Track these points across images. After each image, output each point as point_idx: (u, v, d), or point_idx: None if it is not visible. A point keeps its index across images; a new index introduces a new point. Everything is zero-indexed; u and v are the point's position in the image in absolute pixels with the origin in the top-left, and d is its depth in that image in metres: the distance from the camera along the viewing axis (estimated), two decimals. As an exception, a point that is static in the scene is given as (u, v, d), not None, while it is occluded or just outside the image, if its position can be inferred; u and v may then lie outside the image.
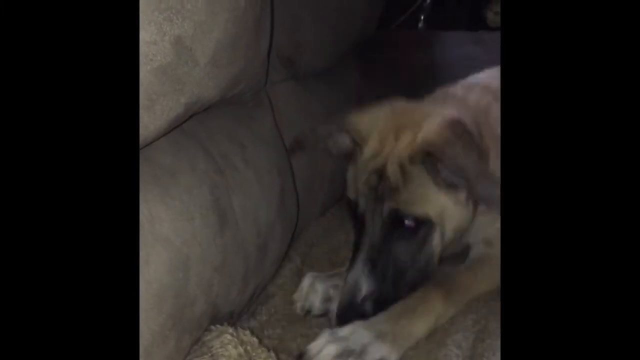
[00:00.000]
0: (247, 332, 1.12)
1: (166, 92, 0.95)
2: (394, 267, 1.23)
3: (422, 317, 1.21)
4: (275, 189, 1.36)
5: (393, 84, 2.42)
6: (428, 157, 1.19)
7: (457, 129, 1.19)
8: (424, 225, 1.23)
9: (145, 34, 0.88)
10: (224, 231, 1.14)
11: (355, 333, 1.14)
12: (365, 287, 1.21)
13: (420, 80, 2.41)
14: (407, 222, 1.22)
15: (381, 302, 1.21)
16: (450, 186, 1.21)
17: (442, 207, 1.23)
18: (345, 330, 1.14)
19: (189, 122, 1.15)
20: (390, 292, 1.23)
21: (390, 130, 1.26)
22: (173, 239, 1.01)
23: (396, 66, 2.45)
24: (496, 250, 1.37)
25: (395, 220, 1.22)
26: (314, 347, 1.12)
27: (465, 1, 2.88)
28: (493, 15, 2.77)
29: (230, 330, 1.11)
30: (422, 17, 2.83)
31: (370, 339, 1.13)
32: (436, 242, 1.26)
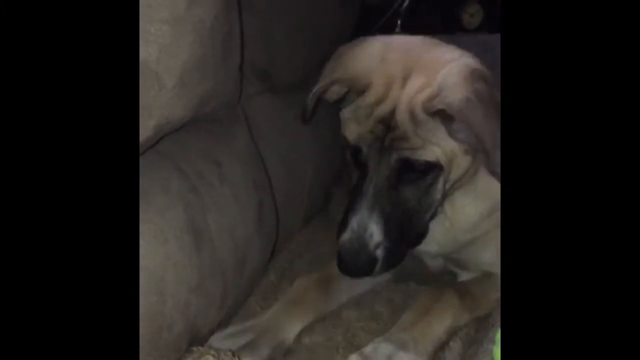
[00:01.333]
0: (229, 352, 1.12)
1: (133, 117, 0.95)
2: (401, 213, 1.22)
3: (439, 317, 1.22)
4: (252, 204, 1.36)
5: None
6: (444, 112, 1.15)
7: (480, 88, 1.15)
8: (433, 169, 1.21)
9: (109, 61, 0.88)
10: (200, 251, 1.14)
11: (378, 349, 1.14)
12: (375, 232, 1.19)
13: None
14: (416, 167, 1.20)
15: (391, 252, 1.20)
16: (461, 136, 1.19)
17: (452, 154, 1.21)
18: (367, 349, 1.14)
19: (163, 142, 1.15)
20: (398, 241, 1.22)
21: (396, 72, 1.21)
22: (146, 263, 1.00)
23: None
24: (487, 274, 1.37)
25: (404, 167, 1.21)
26: None
27: (441, 4, 2.89)
28: (468, 17, 2.79)
29: (212, 351, 1.11)
30: (398, 22, 2.84)
31: (393, 350, 1.13)
32: (440, 186, 1.25)
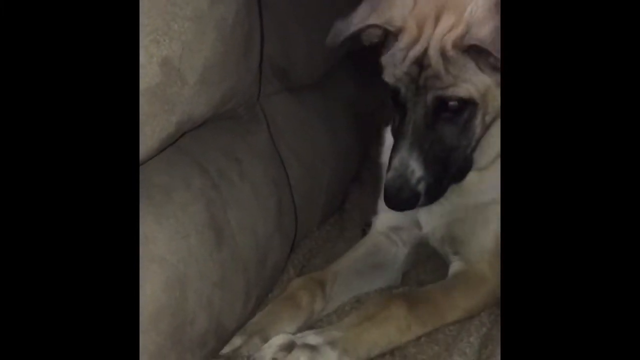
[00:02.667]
0: None
1: (156, 113, 0.96)
2: (440, 149, 1.25)
3: (381, 325, 1.20)
4: (272, 202, 1.36)
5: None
6: (475, 47, 1.17)
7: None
8: (467, 106, 1.24)
9: (133, 57, 0.89)
10: (221, 246, 1.15)
11: (305, 337, 1.14)
12: (416, 168, 1.23)
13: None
14: (451, 104, 1.23)
15: (432, 186, 1.25)
16: (493, 68, 1.20)
17: (486, 88, 1.22)
18: (296, 337, 1.15)
19: (184, 138, 1.16)
20: (439, 176, 1.26)
21: (428, 13, 1.23)
22: (168, 258, 1.01)
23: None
24: (477, 268, 1.37)
25: (440, 106, 1.23)
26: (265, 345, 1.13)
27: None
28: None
29: None
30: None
31: (320, 343, 1.12)
32: (479, 121, 1.27)
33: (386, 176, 1.26)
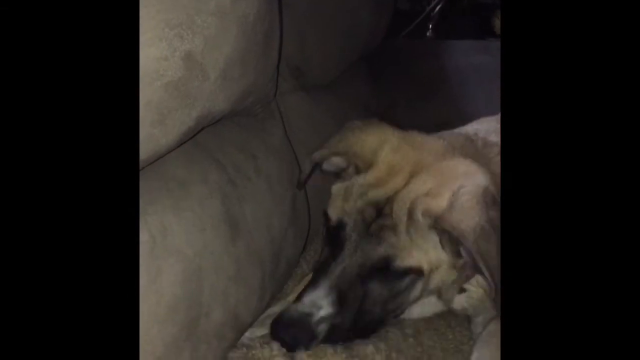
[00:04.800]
0: None
1: (177, 107, 0.97)
2: (362, 307, 1.16)
3: None
4: (287, 198, 1.37)
5: (402, 93, 2.43)
6: (451, 234, 1.10)
7: (494, 215, 1.08)
8: (411, 274, 1.17)
9: (156, 50, 0.90)
10: (237, 241, 1.16)
11: None
12: (324, 309, 1.13)
13: (429, 89, 2.43)
14: (395, 266, 1.15)
15: (337, 331, 1.14)
16: (455, 253, 1.15)
17: (439, 264, 1.17)
18: None
19: (201, 134, 1.17)
20: (348, 325, 1.16)
21: (404, 165, 1.17)
22: (185, 250, 1.02)
23: (404, 76, 2.46)
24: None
25: (382, 265, 1.15)
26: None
27: (473, 10, 2.89)
28: (500, 23, 2.78)
29: None
30: (430, 26, 2.85)
31: None
32: (415, 293, 1.21)
33: (288, 306, 1.16)
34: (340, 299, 1.14)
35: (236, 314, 1.14)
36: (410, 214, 1.13)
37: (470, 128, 1.41)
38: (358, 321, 1.17)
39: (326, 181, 1.66)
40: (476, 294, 1.28)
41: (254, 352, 1.16)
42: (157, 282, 0.97)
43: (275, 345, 1.14)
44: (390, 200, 1.15)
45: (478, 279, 1.23)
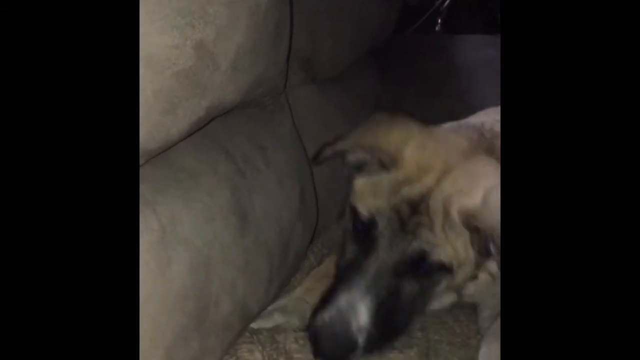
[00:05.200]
0: None
1: (188, 96, 0.97)
2: (395, 303, 1.16)
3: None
4: (295, 190, 1.37)
5: (410, 87, 2.43)
6: (477, 227, 1.12)
7: None
8: (440, 270, 1.17)
9: (168, 39, 0.90)
10: (246, 232, 1.16)
11: None
12: (363, 315, 1.12)
13: (437, 84, 2.42)
14: (427, 262, 1.16)
15: (373, 340, 1.13)
16: (482, 250, 1.16)
17: (465, 262, 1.18)
18: None
19: (211, 124, 1.17)
20: (383, 330, 1.15)
21: (432, 161, 1.17)
22: (194, 240, 1.02)
23: (413, 70, 2.46)
24: None
25: (417, 258, 1.16)
26: None
27: (481, 4, 2.88)
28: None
29: None
30: (439, 21, 2.84)
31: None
32: (442, 289, 1.22)
33: (320, 313, 1.12)
34: (377, 299, 1.13)
35: (244, 305, 1.14)
36: (446, 211, 1.14)
37: (476, 120, 1.41)
38: (392, 322, 1.17)
39: (334, 175, 1.67)
40: (483, 279, 1.28)
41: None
42: (166, 272, 0.97)
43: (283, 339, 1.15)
44: (424, 197, 1.15)
45: (485, 265, 1.24)
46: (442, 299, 1.29)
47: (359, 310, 1.12)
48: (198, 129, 1.09)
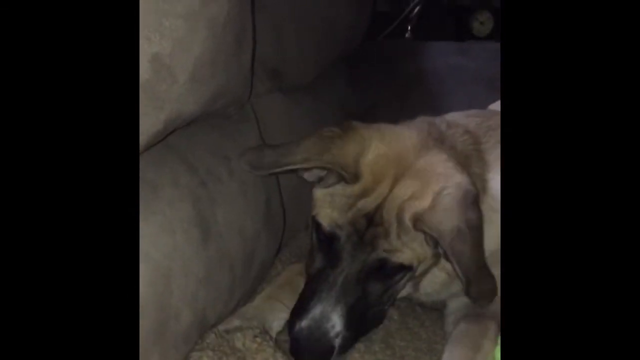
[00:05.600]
0: None
1: (145, 110, 0.96)
2: (363, 305, 1.22)
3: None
4: (260, 200, 1.37)
5: (380, 94, 2.44)
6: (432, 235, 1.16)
7: (471, 216, 1.15)
8: (402, 270, 1.23)
9: (123, 52, 0.89)
10: (208, 243, 1.16)
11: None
12: (336, 322, 1.18)
13: (407, 91, 2.44)
14: (389, 267, 1.21)
15: (348, 340, 1.20)
16: (436, 245, 1.20)
17: (424, 257, 1.22)
18: None
19: (173, 136, 1.17)
20: (356, 330, 1.22)
21: (386, 171, 1.19)
22: (153, 253, 1.02)
23: (383, 76, 2.48)
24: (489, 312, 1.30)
25: (378, 266, 1.21)
26: None
27: (452, 11, 2.91)
28: (479, 25, 2.80)
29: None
30: (409, 27, 2.86)
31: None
32: (404, 282, 1.27)
33: (299, 323, 1.18)
34: (347, 306, 1.19)
35: (204, 317, 1.14)
36: (399, 218, 1.17)
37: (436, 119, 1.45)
38: (362, 321, 1.24)
39: (301, 182, 1.67)
40: (439, 277, 1.35)
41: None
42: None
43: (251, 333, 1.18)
44: (379, 208, 1.18)
45: (443, 264, 1.29)
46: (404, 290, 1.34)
47: (332, 319, 1.18)
48: (158, 142, 1.09)
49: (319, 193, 1.26)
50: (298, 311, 1.21)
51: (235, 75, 1.24)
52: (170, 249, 1.06)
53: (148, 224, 1.03)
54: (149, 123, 0.99)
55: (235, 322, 1.24)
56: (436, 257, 1.26)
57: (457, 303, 1.38)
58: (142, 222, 1.01)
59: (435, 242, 1.20)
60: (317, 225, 1.24)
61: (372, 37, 2.64)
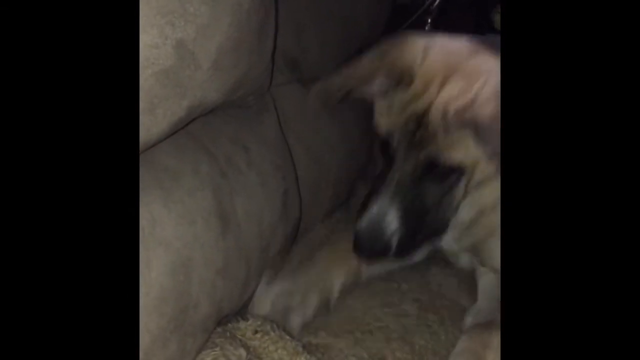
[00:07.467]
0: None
1: (168, 96, 0.95)
2: (420, 207, 1.26)
3: None
4: (278, 192, 1.36)
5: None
6: (475, 124, 1.17)
7: None
8: (455, 172, 1.25)
9: (147, 38, 0.88)
10: (227, 234, 1.15)
11: None
12: (393, 220, 1.23)
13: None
14: (441, 167, 1.24)
15: (404, 241, 1.25)
16: (488, 144, 1.19)
17: (477, 159, 1.24)
18: None
19: (193, 124, 1.15)
20: (413, 232, 1.27)
21: (435, 73, 1.23)
22: (174, 242, 1.01)
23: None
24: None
25: (430, 166, 1.24)
26: None
27: (472, 4, 2.87)
28: (500, 18, 2.76)
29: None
30: (429, 20, 2.82)
31: None
32: (460, 190, 1.29)
33: (360, 220, 1.26)
34: (402, 205, 1.24)
35: (220, 308, 1.13)
36: (444, 117, 1.21)
37: None
38: (421, 225, 1.28)
39: (319, 175, 1.66)
40: (469, 214, 1.38)
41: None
42: (145, 273, 0.95)
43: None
44: (427, 109, 1.23)
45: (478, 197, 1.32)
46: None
47: (388, 217, 1.24)
48: (179, 129, 1.08)
49: (379, 105, 1.31)
50: (360, 209, 1.29)
51: (257, 64, 1.23)
52: (191, 239, 1.05)
53: (169, 212, 1.02)
54: (172, 110, 0.97)
55: (297, 297, 1.34)
56: (490, 166, 1.26)
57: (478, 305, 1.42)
58: (164, 209, 1.01)
59: (484, 141, 1.19)
60: (377, 133, 1.31)
61: (392, 29, 2.60)
